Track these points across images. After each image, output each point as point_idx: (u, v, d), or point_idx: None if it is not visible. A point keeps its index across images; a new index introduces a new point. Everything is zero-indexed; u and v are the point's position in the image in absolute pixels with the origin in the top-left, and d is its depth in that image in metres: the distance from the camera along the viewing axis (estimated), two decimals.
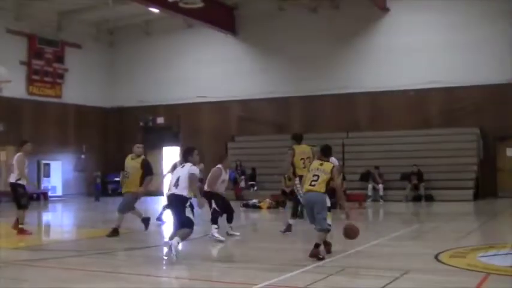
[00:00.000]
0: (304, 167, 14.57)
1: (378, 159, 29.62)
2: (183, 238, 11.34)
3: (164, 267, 11.05)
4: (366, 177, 28.70)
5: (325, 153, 12.15)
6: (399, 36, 30.71)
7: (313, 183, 11.30)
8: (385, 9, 31.24)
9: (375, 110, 31.38)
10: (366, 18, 31.66)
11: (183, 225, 11.39)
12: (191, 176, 11.52)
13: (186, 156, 12.13)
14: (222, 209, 14.84)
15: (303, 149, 15.54)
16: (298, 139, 15.60)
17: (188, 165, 11.84)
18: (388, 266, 10.33)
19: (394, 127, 30.76)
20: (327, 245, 11.44)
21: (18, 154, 15.47)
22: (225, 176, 15.03)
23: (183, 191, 11.50)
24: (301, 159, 15.21)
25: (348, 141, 31.09)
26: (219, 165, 14.94)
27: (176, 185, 11.60)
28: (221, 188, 14.93)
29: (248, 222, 21.19)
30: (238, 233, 14.97)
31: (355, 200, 25.27)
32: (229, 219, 15.05)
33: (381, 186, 28.14)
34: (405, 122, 30.63)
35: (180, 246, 11.30)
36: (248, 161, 31.95)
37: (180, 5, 28.04)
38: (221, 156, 15.37)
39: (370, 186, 28.18)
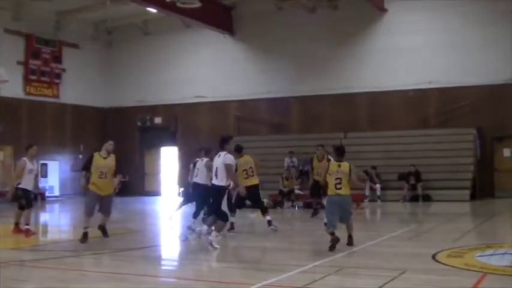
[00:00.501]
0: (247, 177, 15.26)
1: (376, 159, 29.63)
2: (219, 230, 11.51)
3: (162, 267, 11.05)
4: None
5: (340, 153, 12.80)
6: (397, 36, 30.71)
7: (338, 186, 12.00)
8: (383, 10, 31.26)
9: (373, 110, 31.39)
10: (364, 18, 31.67)
11: (219, 217, 11.60)
12: (227, 166, 11.65)
13: (222, 145, 12.56)
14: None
15: (245, 160, 15.87)
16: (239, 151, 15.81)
17: (223, 154, 12.25)
18: (385, 265, 10.33)
19: (392, 127, 30.76)
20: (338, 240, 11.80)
21: (21, 159, 15.33)
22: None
23: (221, 181, 11.62)
24: (244, 170, 15.48)
25: (346, 142, 30.97)
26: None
27: (216, 175, 11.69)
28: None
29: (246, 222, 21.16)
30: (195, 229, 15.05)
31: (353, 201, 25.17)
32: (195, 215, 15.38)
33: (378, 186, 28.13)
34: (403, 122, 30.65)
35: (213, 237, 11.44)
36: None
37: (178, 5, 28.02)
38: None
39: (367, 186, 28.17)
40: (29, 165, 13.94)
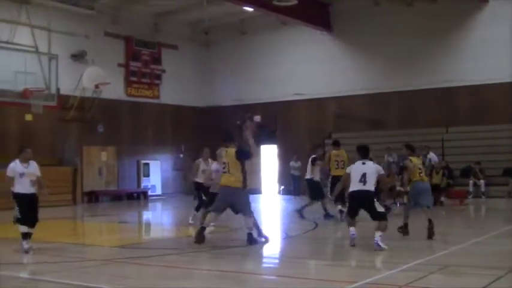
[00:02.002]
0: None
1: (479, 154, 28.80)
2: (383, 230, 11.91)
3: (260, 265, 11.04)
4: (466, 173, 27.97)
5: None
6: (499, 27, 29.71)
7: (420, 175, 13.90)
8: (484, 0, 30.35)
9: (474, 104, 30.45)
10: (464, 10, 30.79)
11: (379, 218, 12.04)
12: (380, 173, 12.57)
13: (365, 153, 12.97)
14: (200, 198, 16.93)
15: (339, 153, 18.73)
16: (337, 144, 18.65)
17: (371, 162, 12.86)
18: (490, 264, 10.01)
19: (495, 121, 29.82)
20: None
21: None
22: (205, 166, 17.17)
23: (371, 186, 12.17)
24: (335, 161, 18.39)
25: (447, 137, 30.39)
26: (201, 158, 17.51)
27: (363, 181, 12.16)
28: (202, 178, 16.94)
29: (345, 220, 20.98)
30: (192, 222, 16.91)
31: (456, 197, 24.65)
32: (198, 209, 16.98)
33: (482, 182, 27.37)
34: (507, 115, 29.64)
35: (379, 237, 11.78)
36: None
37: (275, 3, 28.05)
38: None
39: (471, 182, 27.42)
40: (20, 168, 13.38)
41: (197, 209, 17.44)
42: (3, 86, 22.79)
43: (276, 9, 29.31)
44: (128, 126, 33.49)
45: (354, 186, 12.25)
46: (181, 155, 35.44)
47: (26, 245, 12.76)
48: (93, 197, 30.96)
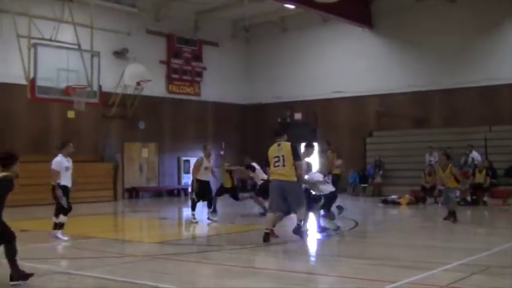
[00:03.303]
0: None
1: None
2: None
3: (300, 263, 11.00)
4: (510, 172, 27.53)
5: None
6: None
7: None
8: None
9: None
10: (508, 6, 30.29)
11: None
12: None
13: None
14: (201, 196, 17.83)
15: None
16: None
17: None
18: None
19: None
20: None
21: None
22: (207, 163, 17.84)
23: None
24: None
25: (491, 135, 29.92)
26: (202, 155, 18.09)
27: None
28: (204, 175, 17.74)
29: (386, 218, 20.86)
30: (216, 219, 17.82)
31: (499, 197, 24.29)
32: (209, 205, 18.02)
33: None
34: None
35: None
36: (387, 156, 31.60)
37: (316, 0, 27.93)
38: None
39: None
40: (65, 163, 13.79)
41: (193, 207, 18.04)
42: (46, 83, 22.98)
43: (317, 6, 29.13)
44: (169, 123, 33.66)
45: None
46: (222, 152, 35.50)
47: (64, 236, 13.55)
48: (133, 193, 31.20)
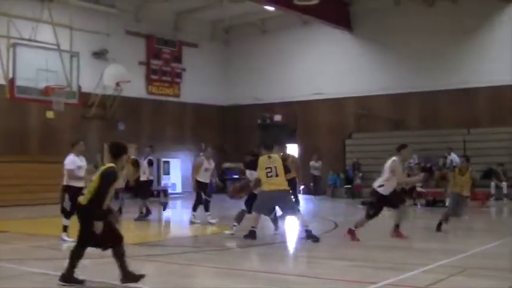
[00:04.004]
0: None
1: (502, 156, 28.59)
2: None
3: (280, 264, 11.01)
4: (488, 175, 27.69)
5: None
6: None
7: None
8: (505, 1, 30.06)
9: (496, 105, 30.17)
10: (485, 10, 30.52)
11: None
12: None
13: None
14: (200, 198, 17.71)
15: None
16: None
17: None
18: (510, 267, 9.92)
19: None
20: None
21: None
22: (208, 165, 17.93)
23: None
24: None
25: (469, 138, 30.14)
26: (202, 156, 18.53)
27: None
28: (204, 177, 17.81)
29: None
30: (214, 221, 17.36)
31: (478, 199, 24.44)
32: (206, 209, 17.81)
33: (504, 184, 27.13)
34: None
35: None
36: (366, 157, 31.73)
37: (295, 2, 28.00)
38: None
39: (493, 184, 27.16)
40: (78, 162, 13.51)
41: (194, 208, 17.98)
42: (25, 83, 22.91)
43: (296, 8, 29.26)
44: (149, 124, 33.61)
45: None
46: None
47: (67, 237, 13.14)
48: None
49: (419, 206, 24.10)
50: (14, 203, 23.83)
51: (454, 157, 27.57)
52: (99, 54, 30.87)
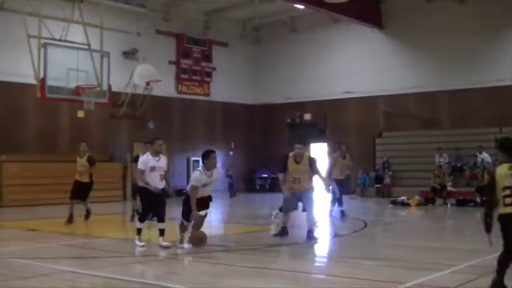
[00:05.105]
0: None
1: None
2: None
3: (310, 264, 10.97)
4: None
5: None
6: None
7: None
8: None
9: None
10: None
11: None
12: None
13: None
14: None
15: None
16: None
17: None
18: None
19: None
20: None
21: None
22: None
23: None
24: None
25: (501, 137, 29.73)
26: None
27: None
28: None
29: (395, 220, 20.79)
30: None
31: None
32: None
33: None
34: None
35: None
36: (396, 156, 31.55)
37: (326, 1, 27.89)
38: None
39: None
40: (152, 162, 12.95)
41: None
42: (56, 83, 23.03)
43: (327, 6, 29.11)
44: (178, 123, 33.73)
45: None
46: (231, 153, 35.46)
47: (140, 241, 12.58)
48: None
49: (449, 206, 23.90)
50: (45, 202, 23.99)
51: (485, 156, 27.30)
52: (129, 54, 31.06)
